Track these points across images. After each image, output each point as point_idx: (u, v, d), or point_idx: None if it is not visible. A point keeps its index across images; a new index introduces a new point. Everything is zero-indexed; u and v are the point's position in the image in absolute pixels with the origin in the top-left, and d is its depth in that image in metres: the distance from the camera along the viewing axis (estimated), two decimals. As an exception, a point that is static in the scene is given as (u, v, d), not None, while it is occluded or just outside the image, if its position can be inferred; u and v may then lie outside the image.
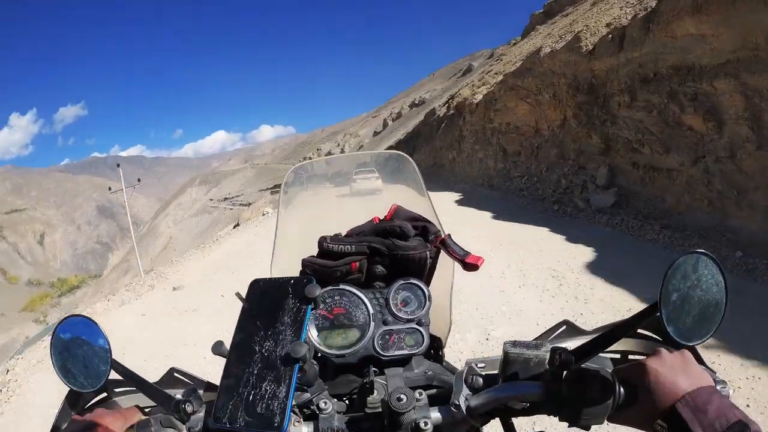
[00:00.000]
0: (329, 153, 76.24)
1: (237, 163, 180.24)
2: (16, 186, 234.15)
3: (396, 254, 0.99)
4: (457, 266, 1.03)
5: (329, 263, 1.00)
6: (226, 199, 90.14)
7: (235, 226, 26.21)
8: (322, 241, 1.03)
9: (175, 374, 1.08)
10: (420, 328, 0.97)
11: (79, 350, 1.06)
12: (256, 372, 0.77)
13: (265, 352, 0.81)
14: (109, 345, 1.05)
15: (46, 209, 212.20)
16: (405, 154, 1.25)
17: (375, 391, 0.87)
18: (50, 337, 1.09)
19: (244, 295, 0.97)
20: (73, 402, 1.02)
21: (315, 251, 1.06)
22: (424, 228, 1.04)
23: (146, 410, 0.96)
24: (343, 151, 73.66)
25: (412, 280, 0.99)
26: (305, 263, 1.04)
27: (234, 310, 0.84)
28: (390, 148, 36.79)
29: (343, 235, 1.07)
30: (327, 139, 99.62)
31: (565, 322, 0.95)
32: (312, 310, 0.84)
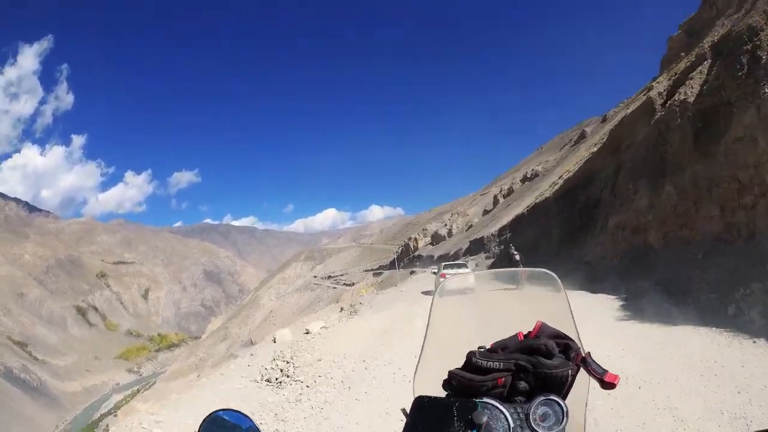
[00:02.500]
0: (435, 233, 74.34)
1: (346, 242, 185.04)
2: (126, 239, 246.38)
3: (540, 372, 1.01)
4: (593, 383, 1.06)
5: (476, 378, 1.02)
6: (330, 276, 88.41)
7: (341, 309, 23.74)
8: (471, 356, 1.05)
9: None
10: None
11: None
12: None
13: None
14: None
15: (154, 266, 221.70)
16: (552, 274, 1.27)
17: None
18: (198, 427, 1.09)
19: (407, 411, 0.99)
20: None
21: (460, 362, 1.07)
22: (566, 346, 1.06)
23: None
24: (450, 231, 71.17)
25: (552, 397, 1.00)
26: (452, 375, 1.06)
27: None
28: (503, 228, 39.21)
29: (487, 348, 1.09)
30: (434, 219, 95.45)
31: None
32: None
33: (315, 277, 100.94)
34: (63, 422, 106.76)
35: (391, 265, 73.81)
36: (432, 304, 1.28)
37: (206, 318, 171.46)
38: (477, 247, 45.35)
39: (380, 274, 68.23)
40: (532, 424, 0.96)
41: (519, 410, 0.97)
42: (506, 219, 43.16)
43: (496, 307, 1.46)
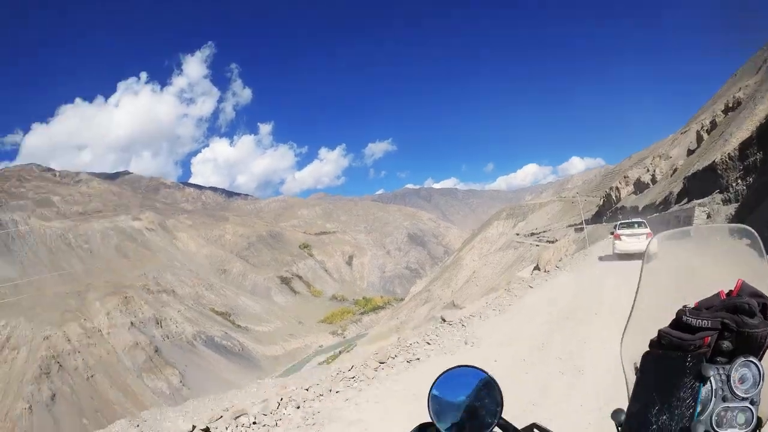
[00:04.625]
0: (638, 180, 70.90)
1: (548, 196, 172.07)
2: (327, 211, 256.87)
3: (743, 332, 0.98)
4: None
5: (685, 336, 1.01)
6: (532, 234, 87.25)
7: (534, 269, 29.28)
8: (681, 313, 1.04)
9: (535, 430, 1.10)
10: (752, 407, 0.96)
11: (462, 397, 1.12)
12: None
13: (661, 425, 0.83)
14: (501, 400, 1.10)
15: (356, 234, 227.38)
16: (749, 229, 1.26)
17: None
18: (428, 393, 1.15)
19: (636, 365, 1.01)
20: None
21: (662, 323, 1.07)
22: (765, 305, 1.02)
23: None
24: (653, 177, 65.86)
25: (751, 358, 0.97)
26: (662, 334, 1.05)
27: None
28: (704, 170, 32.68)
29: (692, 307, 1.07)
30: (634, 165, 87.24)
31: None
32: (703, 388, 0.86)
33: (517, 234, 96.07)
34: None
35: (594, 219, 73.63)
36: (642, 267, 1.29)
37: (412, 280, 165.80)
38: (701, 184, 32.66)
39: (582, 229, 60.48)
40: (732, 387, 0.95)
41: (721, 371, 0.96)
42: (712, 158, 33.47)
43: (696, 267, 1.40)
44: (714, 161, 30.13)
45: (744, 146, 26.18)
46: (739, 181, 25.30)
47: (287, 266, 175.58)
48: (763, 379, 0.95)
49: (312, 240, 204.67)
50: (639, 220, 22.69)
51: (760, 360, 0.97)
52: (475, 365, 1.20)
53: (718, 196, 26.99)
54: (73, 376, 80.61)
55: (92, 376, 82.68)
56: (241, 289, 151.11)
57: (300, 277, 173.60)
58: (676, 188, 43.50)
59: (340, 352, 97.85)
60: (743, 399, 0.94)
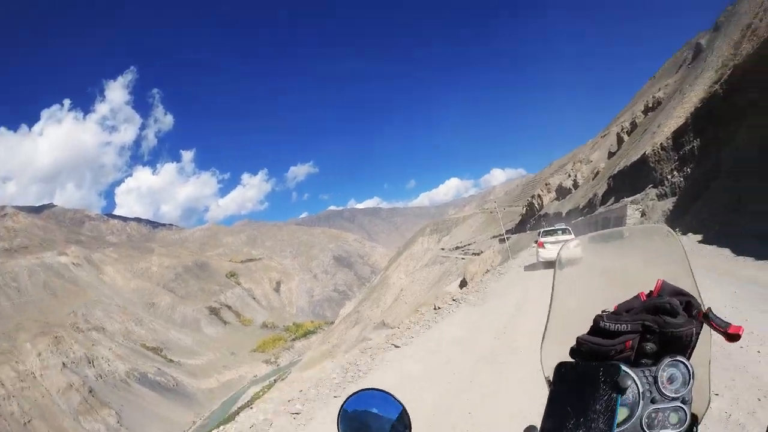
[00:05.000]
0: (559, 186, 72.05)
1: (471, 209, 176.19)
2: (251, 238, 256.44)
3: (666, 332, 0.98)
4: (715, 342, 1.04)
5: (604, 342, 1.00)
6: (457, 247, 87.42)
7: (461, 285, 29.03)
8: (598, 319, 1.03)
9: None
10: (684, 406, 0.96)
11: (373, 425, 1.10)
12: None
13: None
14: (409, 422, 1.08)
15: (282, 259, 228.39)
16: (665, 227, 1.26)
17: None
18: (338, 411, 1.13)
19: (549, 378, 0.99)
20: None
21: (583, 329, 1.06)
22: (688, 303, 1.03)
23: None
24: (575, 182, 67.38)
25: (678, 357, 0.98)
26: (580, 341, 1.04)
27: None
28: (633, 165, 32.11)
29: (611, 311, 1.07)
30: (555, 172, 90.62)
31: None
32: (622, 397, 0.86)
33: (442, 249, 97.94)
34: (200, 418, 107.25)
35: (518, 228, 75.67)
36: (554, 274, 1.27)
37: (341, 302, 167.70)
38: (630, 181, 31.46)
39: (507, 239, 61.81)
40: (661, 388, 0.94)
41: (647, 373, 0.95)
42: (634, 158, 34.32)
43: (615, 270, 1.42)
44: (645, 154, 28.74)
45: (678, 135, 24.85)
46: (675, 172, 23.80)
47: (215, 296, 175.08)
48: (693, 377, 0.96)
49: (238, 268, 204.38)
50: (562, 226, 23.31)
51: (688, 358, 0.98)
52: (385, 390, 1.17)
53: (652, 191, 25.64)
54: (10, 422, 79.67)
55: (29, 421, 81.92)
56: (171, 323, 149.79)
57: (229, 307, 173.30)
58: (600, 189, 42.89)
59: (275, 381, 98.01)
60: (673, 399, 0.95)
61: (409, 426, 1.09)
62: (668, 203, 22.66)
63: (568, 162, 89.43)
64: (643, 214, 24.35)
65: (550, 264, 18.06)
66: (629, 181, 31.67)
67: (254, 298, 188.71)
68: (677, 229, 16.93)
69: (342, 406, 1.13)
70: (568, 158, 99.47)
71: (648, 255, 1.36)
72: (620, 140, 58.43)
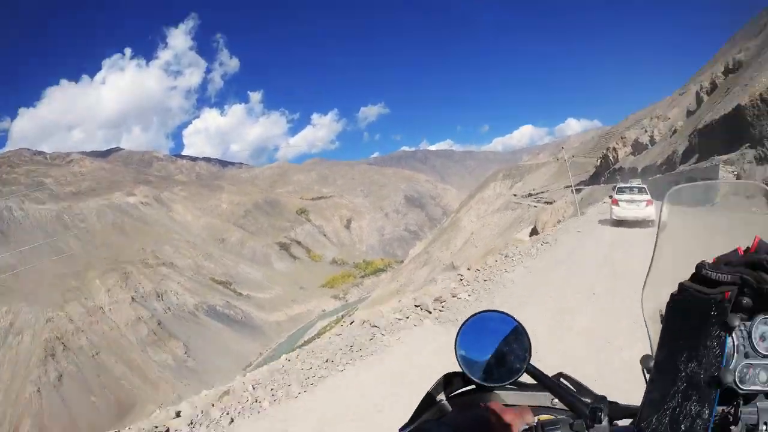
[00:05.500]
0: (635, 141, 70.95)
1: (545, 157, 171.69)
2: (322, 176, 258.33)
3: (763, 288, 0.96)
4: None
5: (705, 290, 0.99)
6: (530, 194, 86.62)
7: (532, 231, 28.92)
8: (701, 267, 1.03)
9: (563, 379, 1.10)
10: None
11: (490, 344, 1.12)
12: (681, 391, 0.79)
13: (690, 372, 0.83)
14: (530, 346, 1.10)
15: (353, 197, 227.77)
16: (762, 185, 1.25)
17: (739, 422, 0.89)
18: (460, 326, 1.15)
19: (662, 312, 1.00)
20: (448, 387, 1.10)
21: (686, 274, 1.06)
22: None
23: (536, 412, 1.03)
24: (652, 138, 65.47)
25: None
26: (682, 287, 1.04)
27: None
28: (724, 119, 27.87)
29: (710, 263, 1.05)
30: (632, 126, 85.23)
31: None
32: (729, 337, 0.86)
33: (515, 195, 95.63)
34: (267, 349, 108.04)
35: (591, 180, 73.82)
36: (660, 213, 1.28)
37: (411, 242, 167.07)
38: (719, 138, 27.57)
39: (580, 190, 60.72)
40: (754, 344, 0.93)
41: (742, 328, 0.94)
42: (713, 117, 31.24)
43: (713, 223, 1.42)
44: (740, 105, 25.07)
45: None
46: None
47: (285, 232, 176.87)
48: None
49: (309, 205, 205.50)
50: (639, 184, 21.71)
51: None
52: (503, 311, 1.19)
53: (749, 152, 22.29)
54: (78, 356, 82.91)
55: (97, 353, 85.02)
56: (240, 257, 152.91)
57: (299, 243, 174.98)
58: (681, 146, 41.10)
59: (342, 316, 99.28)
60: (765, 356, 0.93)
61: (528, 348, 1.11)
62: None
63: (644, 117, 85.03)
64: (738, 178, 20.41)
65: (622, 223, 17.62)
66: (720, 137, 27.66)
67: (324, 235, 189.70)
68: None
69: (458, 331, 1.13)
70: (645, 113, 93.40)
71: (744, 211, 1.32)
72: (699, 99, 56.10)
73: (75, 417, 70.03)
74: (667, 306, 0.99)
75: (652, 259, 1.22)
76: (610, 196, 20.29)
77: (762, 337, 0.92)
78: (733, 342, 0.90)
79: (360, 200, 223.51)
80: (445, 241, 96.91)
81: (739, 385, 0.89)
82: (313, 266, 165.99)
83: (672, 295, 1.00)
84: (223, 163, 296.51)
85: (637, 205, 17.49)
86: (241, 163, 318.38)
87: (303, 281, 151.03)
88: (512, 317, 1.15)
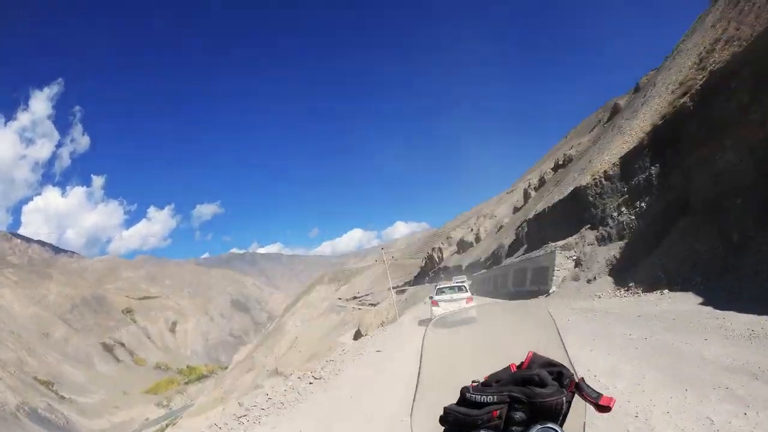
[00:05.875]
0: (461, 240, 68.85)
1: (372, 260, 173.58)
2: (151, 274, 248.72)
3: (535, 402, 1.02)
4: (589, 408, 1.09)
5: (471, 412, 1.04)
6: (354, 297, 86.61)
7: (356, 336, 29.45)
8: (464, 391, 1.07)
9: None
10: None
11: None
12: None
13: None
14: None
15: (180, 299, 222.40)
16: (539, 304, 1.37)
17: None
18: None
19: None
20: None
21: (456, 396, 1.09)
22: (559, 373, 1.08)
23: None
24: (477, 236, 64.78)
25: (549, 425, 1.00)
26: (447, 411, 1.07)
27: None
28: (560, 204, 25.60)
29: (482, 381, 1.12)
30: (458, 226, 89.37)
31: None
32: None
33: (339, 299, 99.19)
34: None
35: (416, 280, 73.98)
36: (423, 338, 1.29)
37: (236, 347, 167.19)
38: (552, 224, 26.70)
39: (404, 291, 66.49)
40: None
41: None
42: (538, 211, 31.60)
43: (489, 339, 1.45)
44: (578, 187, 22.71)
45: (627, 160, 18.92)
46: (624, 209, 18.67)
47: (110, 332, 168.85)
48: None
49: (135, 305, 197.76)
50: (459, 283, 22.37)
51: (561, 425, 1.02)
52: None
53: (589, 234, 20.57)
54: None
55: None
56: (64, 356, 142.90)
57: (123, 345, 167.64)
58: (508, 240, 41.29)
59: (166, 425, 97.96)
60: None
61: None
62: (613, 249, 18.16)
63: (471, 216, 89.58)
64: (578, 263, 19.98)
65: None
66: (552, 225, 26.24)
67: (149, 337, 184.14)
68: (631, 284, 15.40)
69: None
70: (471, 213, 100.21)
71: (522, 327, 1.44)
72: (527, 196, 56.58)
73: None
74: None
75: (417, 385, 1.25)
76: (430, 297, 19.62)
77: None
78: None
79: (186, 302, 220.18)
80: (270, 345, 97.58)
81: None
82: (136, 370, 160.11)
83: (438, 425, 1.03)
84: (57, 249, 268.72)
85: (457, 304, 17.27)
86: (73, 252, 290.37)
87: (126, 385, 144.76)
88: None
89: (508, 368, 1.11)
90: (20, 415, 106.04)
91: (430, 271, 73.31)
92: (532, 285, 24.05)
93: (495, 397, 1.02)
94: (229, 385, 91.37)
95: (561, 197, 26.42)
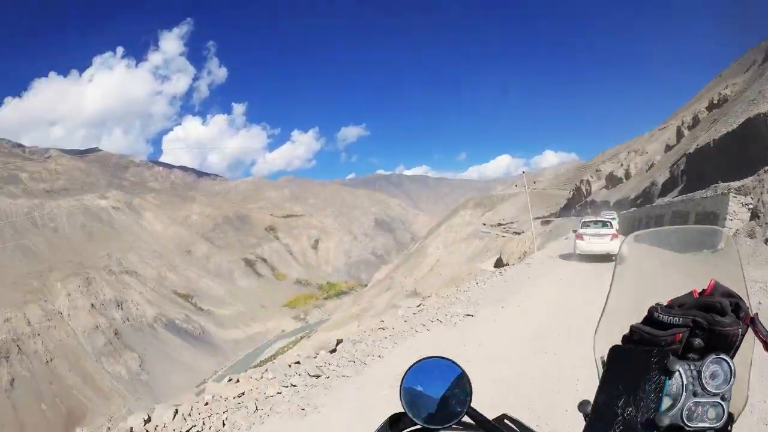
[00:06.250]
0: (610, 174, 69.48)
1: (520, 188, 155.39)
2: (294, 194, 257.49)
3: (714, 329, 1.01)
4: (758, 345, 1.06)
5: (656, 332, 1.04)
6: (499, 224, 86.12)
7: (497, 264, 29.23)
8: (653, 310, 1.07)
9: (506, 421, 1.14)
10: (723, 403, 0.98)
11: (433, 388, 1.17)
12: None
13: (627, 416, 0.87)
14: (471, 390, 1.14)
15: (324, 217, 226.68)
16: (721, 230, 1.29)
17: None
18: (401, 381, 1.19)
19: (604, 359, 1.05)
20: (393, 428, 1.15)
21: (637, 318, 1.09)
22: (736, 305, 1.05)
23: None
24: (627, 172, 64.77)
25: (722, 355, 1.00)
26: (633, 329, 1.08)
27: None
28: (699, 150, 26.22)
29: (665, 304, 1.10)
30: (608, 160, 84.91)
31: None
32: (670, 382, 0.90)
33: (484, 224, 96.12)
34: (222, 368, 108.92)
35: (562, 212, 74.24)
36: (617, 257, 1.31)
37: (378, 266, 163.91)
38: (721, 161, 22.88)
39: (549, 222, 64.88)
40: (703, 382, 0.97)
41: (692, 367, 0.98)
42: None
43: (672, 263, 1.42)
44: (759, 115, 20.53)
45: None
46: None
47: (252, 249, 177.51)
48: (734, 377, 0.98)
49: (278, 222, 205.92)
50: (604, 218, 21.84)
51: (732, 358, 1.01)
52: (445, 356, 1.22)
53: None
54: (33, 360, 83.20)
55: (51, 359, 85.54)
56: (205, 271, 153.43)
57: (265, 260, 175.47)
58: (661, 177, 40.12)
59: (300, 338, 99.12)
60: (714, 395, 0.97)
61: (470, 392, 1.14)
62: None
63: (621, 151, 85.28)
64: (754, 214, 15.12)
65: (586, 257, 17.25)
66: (719, 161, 22.90)
67: (291, 254, 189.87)
68: None
69: (404, 375, 1.17)
70: (622, 147, 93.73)
71: (704, 255, 1.38)
72: (680, 134, 55.30)
73: (23, 424, 70.19)
74: (608, 352, 1.05)
75: (605, 303, 1.25)
76: (574, 231, 19.82)
77: (712, 376, 0.98)
78: (682, 381, 0.96)
79: (330, 221, 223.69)
80: (410, 267, 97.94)
81: (686, 422, 0.94)
82: (277, 285, 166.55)
83: (613, 346, 1.05)
84: (199, 174, 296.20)
85: (601, 239, 17.29)
86: (216, 175, 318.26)
87: (265, 299, 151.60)
88: (455, 363, 1.20)
89: (690, 294, 1.09)
90: (157, 325, 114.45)
91: (576, 204, 72.54)
92: (694, 234, 18.89)
93: (680, 319, 1.01)
94: (366, 303, 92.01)
95: (729, 129, 23.64)
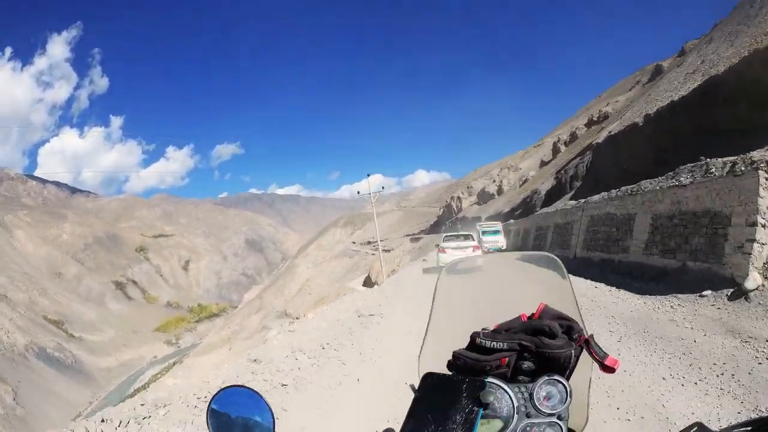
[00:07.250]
0: (482, 191, 67.35)
1: (391, 206, 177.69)
2: (166, 213, 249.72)
3: (543, 352, 1.04)
4: (595, 366, 1.09)
5: (480, 357, 1.06)
6: (369, 242, 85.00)
7: (365, 282, 28.56)
8: (475, 336, 1.08)
9: None
10: (560, 423, 1.00)
11: (238, 423, 1.13)
12: None
13: None
14: (273, 420, 1.11)
15: (194, 237, 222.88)
16: (553, 256, 1.28)
17: None
18: (206, 407, 1.15)
19: (416, 386, 1.05)
20: None
21: (464, 342, 1.11)
22: (569, 327, 1.08)
23: None
24: (500, 188, 63.49)
25: (555, 377, 1.02)
26: (456, 355, 1.09)
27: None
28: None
29: (492, 329, 1.12)
30: (480, 177, 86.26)
31: (698, 425, 0.96)
32: (483, 412, 0.90)
33: (353, 243, 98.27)
34: (97, 398, 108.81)
35: (431, 229, 72.85)
36: (437, 283, 1.29)
37: (248, 287, 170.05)
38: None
39: (419, 239, 65.58)
40: (536, 404, 0.99)
41: (523, 390, 1.00)
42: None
43: (500, 289, 1.47)
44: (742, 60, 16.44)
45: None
46: None
47: (123, 270, 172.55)
48: (570, 396, 1.01)
49: (149, 243, 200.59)
50: (466, 232, 22.25)
51: (567, 379, 1.04)
52: (247, 386, 1.19)
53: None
54: None
55: None
56: (76, 295, 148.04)
57: (135, 282, 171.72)
58: (545, 186, 39.85)
59: (174, 363, 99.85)
60: (549, 415, 0.99)
61: (273, 420, 1.12)
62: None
63: (494, 168, 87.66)
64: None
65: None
66: (642, 149, 20.82)
67: (161, 275, 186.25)
68: None
69: (210, 402, 1.14)
70: (494, 165, 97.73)
71: (536, 280, 1.41)
72: (556, 150, 54.73)
73: None
74: (420, 380, 1.04)
75: (426, 329, 1.27)
76: (436, 245, 20.32)
77: (547, 397, 1.02)
78: (513, 404, 0.99)
79: (200, 241, 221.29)
80: (280, 287, 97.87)
81: None
82: (147, 308, 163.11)
83: (426, 374, 1.04)
84: (73, 190, 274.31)
85: (463, 252, 17.67)
86: (89, 192, 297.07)
87: (136, 324, 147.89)
88: (255, 391, 1.17)
89: (519, 318, 1.12)
90: (29, 354, 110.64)
91: (447, 220, 72.50)
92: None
93: (505, 344, 1.03)
94: (237, 326, 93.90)
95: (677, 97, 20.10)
